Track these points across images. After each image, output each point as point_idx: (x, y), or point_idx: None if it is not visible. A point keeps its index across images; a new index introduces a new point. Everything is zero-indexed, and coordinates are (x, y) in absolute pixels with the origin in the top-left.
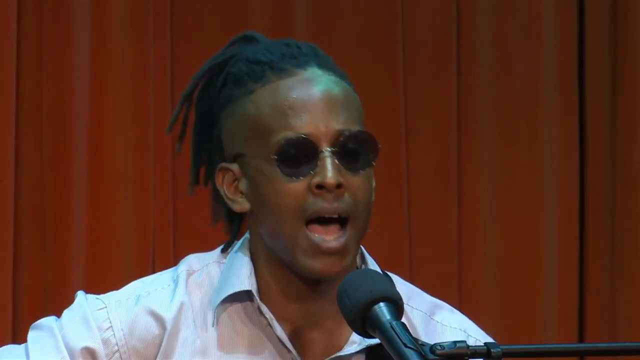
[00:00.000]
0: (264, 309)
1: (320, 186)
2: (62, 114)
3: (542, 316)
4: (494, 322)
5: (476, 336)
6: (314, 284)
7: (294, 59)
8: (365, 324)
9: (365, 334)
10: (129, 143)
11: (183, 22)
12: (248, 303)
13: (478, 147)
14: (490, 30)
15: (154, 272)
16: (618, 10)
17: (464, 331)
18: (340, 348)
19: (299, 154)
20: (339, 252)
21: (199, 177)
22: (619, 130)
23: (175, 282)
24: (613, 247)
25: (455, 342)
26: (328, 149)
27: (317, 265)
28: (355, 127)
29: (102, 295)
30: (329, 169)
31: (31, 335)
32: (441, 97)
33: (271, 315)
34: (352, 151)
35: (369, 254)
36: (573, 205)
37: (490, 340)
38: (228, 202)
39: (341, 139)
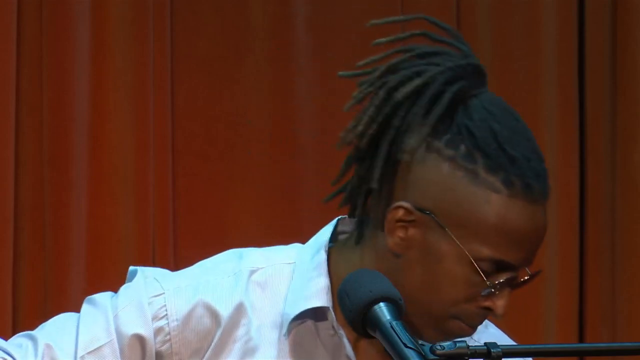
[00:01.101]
0: (338, 328)
1: (489, 309)
2: (62, 114)
3: (542, 316)
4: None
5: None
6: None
7: (539, 179)
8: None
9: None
10: (129, 143)
11: (183, 22)
12: (319, 320)
13: None
14: (490, 30)
15: None
16: (618, 10)
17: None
18: None
19: (495, 275)
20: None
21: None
22: (619, 130)
23: (237, 276)
24: (613, 247)
25: (455, 342)
26: (514, 285)
27: (433, 337)
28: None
29: (161, 275)
30: (503, 303)
31: (85, 308)
32: None
33: (342, 333)
34: (522, 285)
35: None
36: (573, 205)
37: (509, 339)
38: (388, 234)
39: (526, 279)
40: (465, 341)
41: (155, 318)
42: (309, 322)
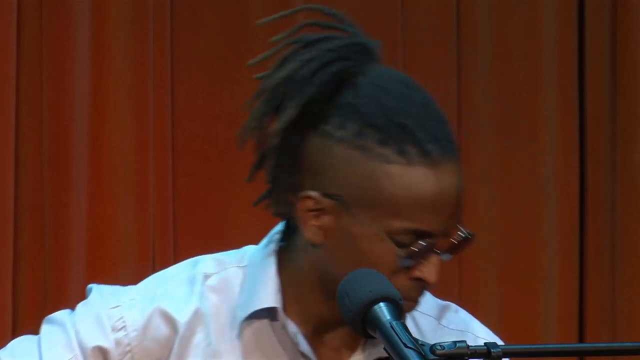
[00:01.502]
0: (289, 326)
1: (420, 279)
2: (62, 114)
3: (542, 316)
4: (494, 322)
5: (483, 336)
6: None
7: (436, 141)
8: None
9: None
10: (129, 143)
11: (183, 22)
12: (272, 319)
13: (478, 147)
14: (490, 30)
15: (153, 272)
16: (618, 10)
17: (472, 333)
18: (349, 357)
19: (419, 247)
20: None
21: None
22: (619, 130)
23: (192, 283)
24: (613, 247)
25: (455, 342)
26: (442, 252)
27: None
28: (462, 225)
29: (116, 290)
30: (435, 271)
31: (44, 329)
32: (441, 97)
33: (295, 330)
34: (454, 250)
35: None
36: (573, 205)
37: (495, 337)
38: (302, 227)
39: (457, 244)
40: (465, 341)
41: (114, 330)
42: (264, 322)
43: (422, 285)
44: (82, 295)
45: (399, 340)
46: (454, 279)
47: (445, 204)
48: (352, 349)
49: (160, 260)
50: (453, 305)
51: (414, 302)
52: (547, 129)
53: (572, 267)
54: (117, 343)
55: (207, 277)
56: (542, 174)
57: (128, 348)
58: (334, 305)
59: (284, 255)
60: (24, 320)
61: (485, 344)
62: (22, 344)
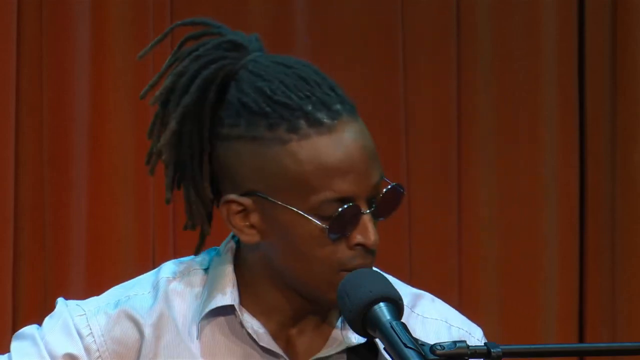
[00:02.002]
0: (246, 321)
1: (361, 244)
2: (62, 114)
3: (542, 316)
4: (494, 322)
5: (458, 325)
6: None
7: (323, 106)
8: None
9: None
10: (129, 143)
11: None
12: (232, 316)
13: (478, 147)
14: (490, 30)
15: None
16: (618, 10)
17: (445, 321)
18: (320, 349)
19: (342, 214)
20: None
21: (172, 187)
22: (619, 130)
23: (155, 289)
24: (613, 247)
25: (455, 342)
26: (368, 211)
27: None
28: (383, 178)
29: (82, 302)
30: (370, 230)
31: (14, 345)
32: (441, 97)
33: (256, 326)
34: (385, 204)
35: None
36: (573, 205)
37: (472, 325)
38: (235, 231)
39: (378, 197)
40: (465, 341)
41: (81, 336)
42: (222, 320)
43: (365, 250)
44: (82, 295)
45: (399, 340)
46: (454, 280)
47: (353, 163)
48: (322, 341)
49: (160, 260)
50: (428, 295)
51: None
52: (547, 129)
53: (572, 267)
54: (87, 349)
55: (170, 281)
56: (542, 174)
57: (97, 354)
58: (293, 297)
59: (239, 253)
60: (24, 320)
61: (485, 344)
62: None
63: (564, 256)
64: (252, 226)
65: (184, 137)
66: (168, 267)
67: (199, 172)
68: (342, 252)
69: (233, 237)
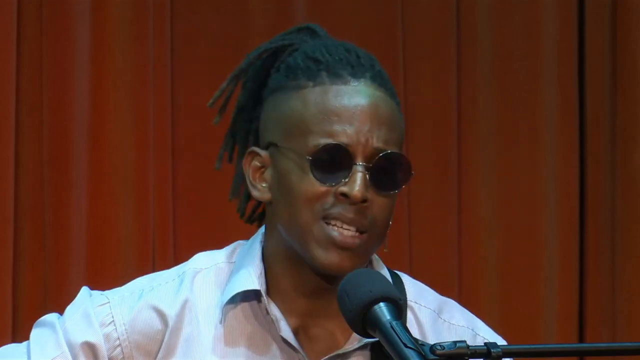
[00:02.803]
0: (271, 309)
1: (345, 195)
2: (62, 114)
3: (542, 316)
4: (494, 322)
5: (485, 335)
6: (325, 279)
7: (350, 67)
8: (365, 324)
9: (365, 334)
10: (129, 143)
11: (183, 22)
12: (255, 302)
13: (478, 147)
14: (490, 30)
15: (153, 272)
16: (618, 10)
17: (472, 329)
18: (342, 345)
19: (334, 162)
20: (352, 249)
21: (231, 153)
22: (619, 130)
23: (181, 278)
24: (613, 247)
25: (455, 342)
26: (362, 163)
27: (329, 257)
28: (394, 149)
29: (106, 291)
30: (358, 182)
31: (34, 332)
32: (441, 97)
33: (278, 315)
34: (385, 171)
35: (377, 255)
36: (573, 205)
37: (499, 338)
38: (250, 187)
39: (377, 157)
40: (465, 341)
41: (102, 325)
42: (246, 306)
43: (350, 203)
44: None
45: (399, 340)
46: (454, 280)
47: (355, 114)
48: (344, 337)
49: (160, 260)
50: (454, 302)
51: (350, 227)
52: (547, 129)
53: (572, 267)
54: (106, 338)
55: (197, 272)
56: (542, 174)
57: (117, 342)
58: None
59: (264, 244)
60: (24, 320)
61: (485, 344)
62: (11, 349)
63: (564, 256)
64: (265, 182)
65: (245, 111)
66: (196, 259)
67: (251, 132)
68: (327, 198)
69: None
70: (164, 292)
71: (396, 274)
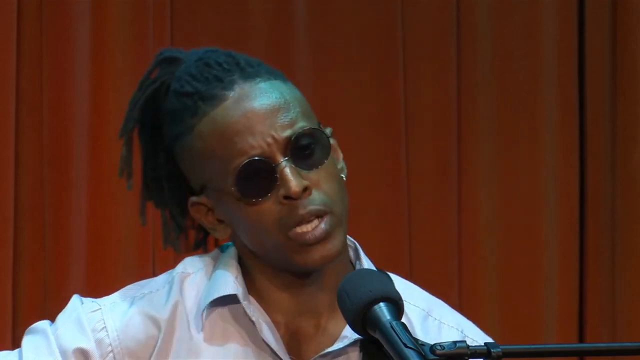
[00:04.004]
0: (251, 311)
1: (287, 197)
2: (62, 114)
3: (542, 316)
4: (494, 322)
5: (473, 336)
6: (303, 275)
7: (218, 82)
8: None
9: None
10: None
11: (183, 22)
12: (237, 306)
13: (478, 147)
14: (490, 30)
15: (153, 272)
16: (618, 10)
17: (461, 331)
18: (332, 343)
19: (258, 175)
20: (323, 238)
21: (144, 207)
22: (619, 130)
23: (170, 284)
24: (613, 247)
25: (455, 342)
26: (282, 159)
27: (310, 257)
28: (299, 125)
29: (97, 299)
30: (289, 178)
31: (25, 339)
32: (441, 97)
33: (261, 317)
34: (306, 150)
35: (365, 254)
36: (573, 205)
37: (488, 339)
38: (211, 232)
39: (291, 144)
40: (465, 341)
41: (94, 331)
42: (226, 309)
43: (294, 199)
44: (82, 296)
45: (399, 340)
46: (454, 280)
47: (250, 121)
48: (333, 335)
49: (160, 260)
50: (444, 302)
51: (314, 219)
52: (547, 129)
53: (572, 267)
54: (99, 344)
55: (185, 276)
56: (542, 174)
57: (109, 348)
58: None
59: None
60: (24, 320)
61: (486, 344)
62: (1, 356)
63: (564, 256)
64: (220, 221)
65: (148, 160)
66: (184, 264)
67: (163, 189)
68: (278, 212)
69: None
70: (155, 298)
71: (385, 273)
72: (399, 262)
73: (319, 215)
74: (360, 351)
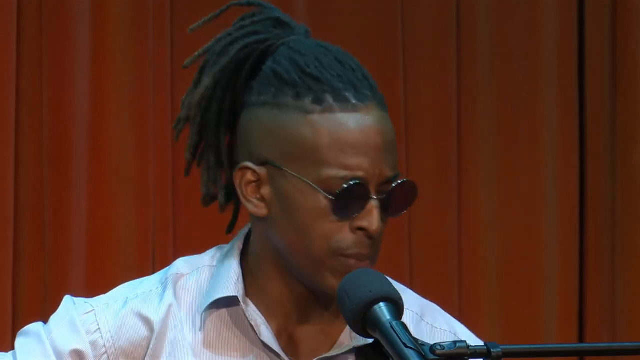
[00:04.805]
0: (250, 314)
1: (362, 229)
2: (62, 114)
3: (542, 316)
4: (494, 322)
5: (465, 338)
6: (320, 294)
7: (352, 88)
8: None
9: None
10: (129, 143)
11: (183, 22)
12: (237, 308)
13: (478, 147)
14: (490, 30)
15: (154, 272)
16: (618, 10)
17: (454, 334)
18: (329, 348)
19: (350, 195)
20: None
21: (194, 153)
22: (619, 130)
23: (164, 285)
24: (613, 247)
25: (455, 342)
26: (376, 196)
27: (338, 283)
28: (397, 172)
29: (90, 299)
30: (376, 217)
31: (18, 342)
32: (441, 97)
33: (260, 320)
34: (396, 199)
35: None
36: (573, 205)
37: (480, 342)
38: (244, 201)
39: (391, 188)
40: (465, 341)
41: (88, 332)
42: (225, 311)
43: (367, 236)
44: (82, 296)
45: (399, 340)
46: (454, 280)
47: (369, 146)
48: (329, 341)
49: (160, 260)
50: (436, 306)
51: (366, 260)
52: (547, 129)
53: (572, 267)
54: (93, 345)
55: (179, 277)
56: (542, 174)
57: (104, 350)
58: (298, 289)
59: (246, 248)
60: (24, 320)
61: (486, 344)
62: None
63: (564, 256)
64: (262, 199)
65: (214, 102)
66: (177, 264)
67: (222, 138)
68: (344, 233)
69: (238, 234)
70: (148, 299)
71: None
72: (399, 262)
73: (370, 259)
74: (357, 359)
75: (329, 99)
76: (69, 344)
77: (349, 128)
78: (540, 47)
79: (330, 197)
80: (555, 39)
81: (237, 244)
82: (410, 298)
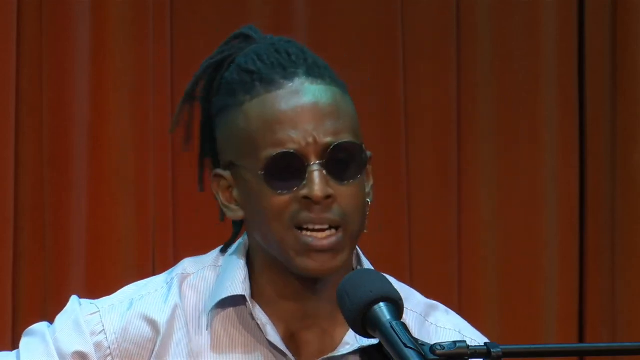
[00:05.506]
0: (256, 313)
1: (306, 197)
2: (62, 114)
3: (542, 316)
4: (494, 322)
5: (471, 336)
6: (309, 282)
7: (282, 69)
8: (365, 324)
9: (365, 334)
10: (129, 143)
11: (183, 22)
12: (242, 307)
13: (478, 147)
14: (490, 30)
15: (154, 272)
16: (618, 10)
17: (459, 332)
18: (334, 348)
19: (287, 169)
20: (331, 250)
21: (203, 176)
22: (619, 130)
23: (169, 285)
24: (613, 247)
25: (455, 342)
26: (316, 162)
27: (310, 263)
28: (343, 138)
29: (95, 300)
30: (316, 182)
31: (23, 341)
32: (441, 97)
33: (265, 319)
34: (341, 162)
35: (365, 256)
36: (573, 205)
37: (485, 340)
38: (223, 208)
39: (329, 151)
40: (465, 341)
41: (93, 334)
42: (232, 310)
43: (314, 203)
44: (82, 296)
45: (399, 340)
46: (454, 280)
47: (298, 118)
48: (334, 341)
49: (160, 260)
50: (442, 306)
51: (327, 229)
52: (547, 129)
53: (572, 267)
54: (97, 347)
55: (184, 277)
56: (542, 174)
57: (108, 351)
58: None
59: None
60: (24, 320)
61: (486, 344)
62: (3, 358)
63: (564, 256)
64: (235, 202)
65: (204, 127)
66: (183, 265)
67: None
68: (292, 206)
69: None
70: (153, 300)
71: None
72: (399, 262)
73: (333, 225)
74: (362, 359)
75: (257, 86)
76: (72, 345)
77: (275, 107)
78: (540, 47)
79: (262, 173)
80: (555, 39)
81: (243, 244)
82: (415, 299)
